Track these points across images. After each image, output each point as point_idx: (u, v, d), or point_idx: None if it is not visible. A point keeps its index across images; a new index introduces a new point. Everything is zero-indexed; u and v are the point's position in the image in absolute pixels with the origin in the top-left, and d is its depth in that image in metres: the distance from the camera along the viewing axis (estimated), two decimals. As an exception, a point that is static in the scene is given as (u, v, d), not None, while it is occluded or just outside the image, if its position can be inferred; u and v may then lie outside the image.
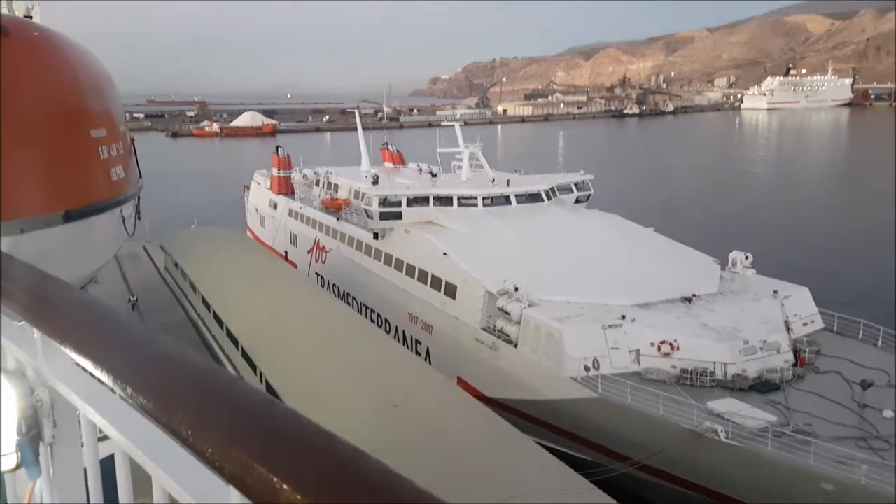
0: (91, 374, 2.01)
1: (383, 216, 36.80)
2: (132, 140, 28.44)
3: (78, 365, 2.15)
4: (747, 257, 31.13)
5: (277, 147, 56.28)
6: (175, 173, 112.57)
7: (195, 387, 1.59)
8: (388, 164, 54.90)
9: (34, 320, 2.42)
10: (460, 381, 28.23)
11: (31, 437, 2.54)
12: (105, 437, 2.18)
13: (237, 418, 1.40)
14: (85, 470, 2.54)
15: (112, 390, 1.85)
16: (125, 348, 1.91)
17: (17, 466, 2.58)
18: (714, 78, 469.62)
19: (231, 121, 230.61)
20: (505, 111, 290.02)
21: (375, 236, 38.03)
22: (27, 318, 2.46)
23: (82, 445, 2.53)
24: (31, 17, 25.12)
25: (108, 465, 2.31)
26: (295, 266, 47.82)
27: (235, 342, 28.94)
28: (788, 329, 26.33)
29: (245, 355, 27.42)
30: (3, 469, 2.57)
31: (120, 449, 2.01)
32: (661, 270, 29.50)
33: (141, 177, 30.56)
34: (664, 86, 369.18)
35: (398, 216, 36.70)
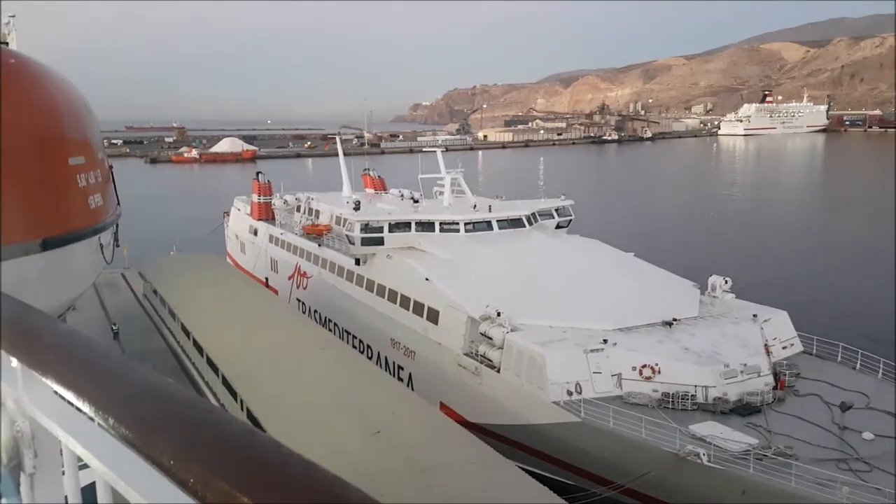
0: (72, 404, 2.02)
1: (365, 242, 36.75)
2: (110, 167, 28.30)
3: (59, 395, 2.15)
4: (726, 281, 31.46)
5: (258, 173, 56.24)
6: (154, 200, 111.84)
7: (176, 417, 1.60)
8: (370, 190, 55.03)
9: (14, 351, 2.43)
10: (443, 407, 28.07)
11: (12, 468, 2.52)
12: (86, 468, 2.18)
13: (218, 448, 1.42)
14: (66, 500, 2.51)
15: (93, 421, 1.85)
16: (106, 379, 1.92)
17: None
18: (691, 105, 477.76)
19: (210, 147, 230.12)
20: (486, 137, 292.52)
21: (357, 262, 37.97)
22: (7, 348, 2.46)
23: (63, 476, 2.51)
24: (6, 44, 24.95)
25: (88, 495, 2.30)
26: (276, 292, 47.54)
27: (216, 369, 28.60)
28: (768, 352, 26.55)
29: (225, 382, 27.09)
30: None
31: (102, 479, 2.00)
32: (641, 295, 29.69)
33: (119, 204, 30.37)
34: (642, 112, 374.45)
35: (380, 242, 36.67)
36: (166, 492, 1.63)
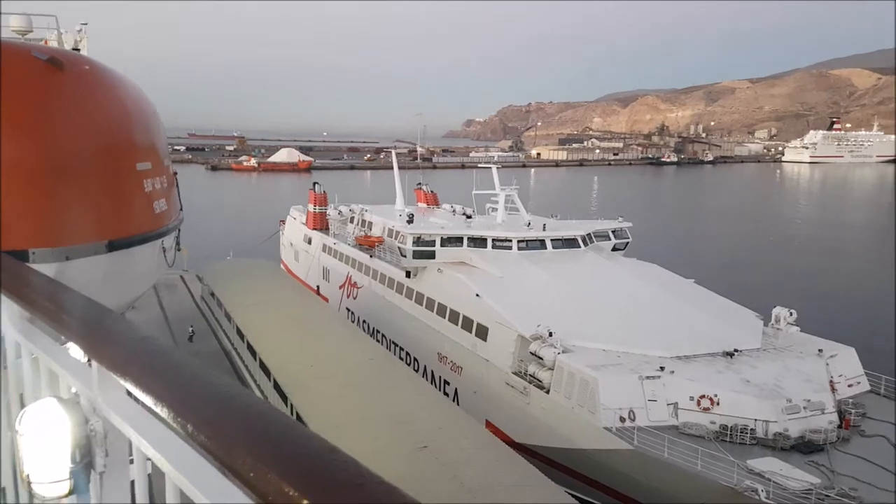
0: (145, 406, 2.05)
1: (416, 255, 36.80)
2: (175, 173, 29.14)
3: (131, 397, 2.20)
4: (791, 314, 30.27)
5: (315, 183, 57.10)
6: (213, 206, 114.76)
7: (257, 429, 1.59)
8: (423, 205, 55.21)
9: (92, 353, 2.49)
10: (489, 425, 27.67)
11: (84, 465, 2.58)
12: (154, 470, 2.20)
13: (300, 464, 1.40)
14: (133, 500, 2.55)
15: (166, 424, 1.87)
16: (186, 386, 1.93)
17: (69, 493, 2.62)
18: (755, 129, 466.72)
19: (269, 156, 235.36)
20: (539, 155, 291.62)
21: (408, 275, 37.99)
22: (86, 349, 2.53)
23: (132, 476, 2.56)
24: (78, 50, 25.91)
25: (153, 496, 2.35)
26: (326, 300, 47.96)
27: (268, 373, 28.91)
28: (833, 389, 25.45)
29: (277, 387, 27.35)
30: (56, 495, 2.61)
31: (171, 482, 2.01)
32: (701, 323, 28.83)
33: (182, 209, 31.18)
34: (703, 135, 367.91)
35: (431, 255, 36.66)
36: (240, 502, 1.64)
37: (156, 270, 27.59)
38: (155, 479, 2.26)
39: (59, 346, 2.91)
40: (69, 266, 18.92)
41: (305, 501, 1.30)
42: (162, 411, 1.89)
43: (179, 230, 30.71)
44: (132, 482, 2.58)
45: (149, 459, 2.21)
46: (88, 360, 2.57)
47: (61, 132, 19.17)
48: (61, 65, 19.31)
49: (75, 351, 2.64)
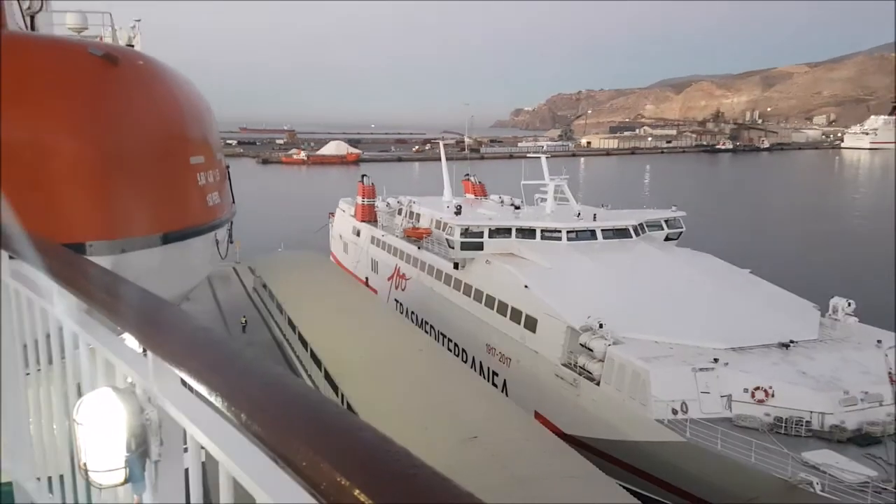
0: (199, 396, 2.06)
1: (464, 246, 36.90)
2: (227, 167, 29.79)
3: (186, 387, 2.21)
4: (849, 304, 29.39)
5: (363, 176, 57.65)
6: (264, 199, 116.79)
7: (311, 419, 1.59)
8: (470, 196, 55.22)
9: (148, 343, 2.50)
10: (538, 416, 27.71)
11: (139, 454, 2.61)
12: (208, 458, 2.22)
13: (353, 455, 1.40)
14: (187, 489, 2.60)
15: (220, 414, 1.88)
16: (240, 376, 1.94)
17: (125, 481, 2.65)
18: (813, 115, 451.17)
19: (318, 149, 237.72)
20: (589, 144, 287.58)
21: (456, 266, 38.16)
22: (141, 340, 2.54)
23: (186, 466, 2.59)
24: (132, 46, 26.64)
25: (207, 485, 2.37)
26: (375, 292, 48.56)
27: (319, 363, 29.54)
28: (892, 381, 24.66)
29: (328, 377, 27.93)
30: (112, 483, 2.66)
31: (226, 471, 2.03)
32: (756, 314, 28.24)
33: (234, 202, 31.90)
34: (759, 121, 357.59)
35: (479, 247, 36.72)
36: (292, 492, 1.65)
37: (209, 262, 28.34)
38: (209, 468, 2.29)
39: (116, 336, 2.93)
40: (125, 258, 19.48)
41: (357, 491, 1.31)
42: (216, 400, 1.91)
43: (232, 223, 31.41)
44: (186, 470, 2.66)
45: (203, 448, 2.23)
46: (144, 351, 2.59)
47: (117, 127, 19.71)
48: (116, 60, 19.81)
49: (131, 342, 2.66)
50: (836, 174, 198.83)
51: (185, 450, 2.52)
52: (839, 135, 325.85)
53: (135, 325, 2.60)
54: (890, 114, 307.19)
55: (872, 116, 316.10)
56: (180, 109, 23.27)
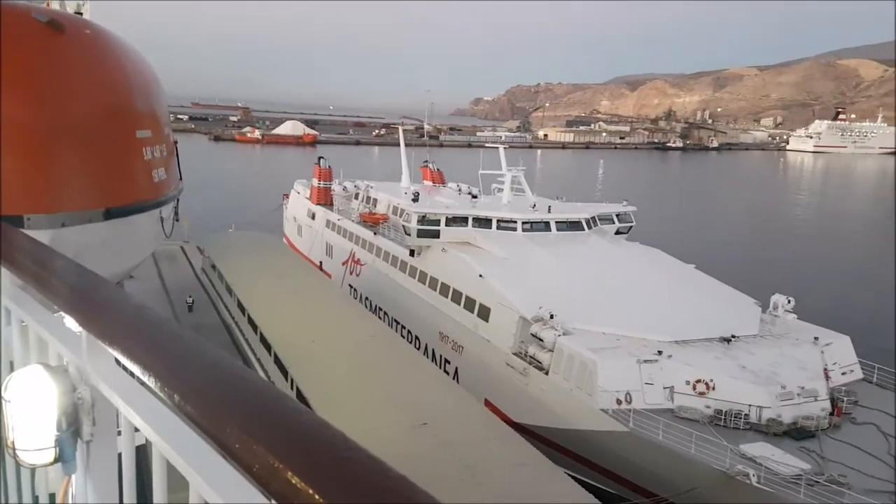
0: (134, 376, 2.03)
1: (421, 234, 36.94)
2: (175, 142, 28.99)
3: (121, 366, 2.17)
4: (789, 301, 30.54)
5: (320, 158, 56.91)
6: (215, 176, 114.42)
7: (245, 401, 1.58)
8: (428, 183, 55.20)
9: (81, 319, 2.44)
10: (487, 404, 28.03)
11: (71, 434, 2.55)
12: (142, 440, 2.20)
13: (288, 438, 1.39)
14: (120, 470, 2.54)
15: (155, 395, 1.86)
16: (175, 356, 1.91)
17: (55, 461, 2.59)
18: (761, 117, 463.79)
19: (273, 128, 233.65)
20: (546, 136, 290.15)
21: (412, 253, 38.19)
22: (75, 316, 2.47)
23: (119, 446, 2.53)
24: (81, 14, 25.54)
25: (141, 466, 2.34)
26: (329, 277, 48.22)
27: (269, 347, 29.22)
28: (827, 377, 25.77)
29: (277, 361, 27.66)
30: (41, 463, 2.59)
31: (158, 452, 2.00)
32: (700, 308, 29.08)
33: (181, 179, 31.14)
34: (710, 121, 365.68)
35: (436, 235, 36.81)
36: (227, 474, 1.64)
37: (153, 240, 27.63)
38: (144, 449, 2.25)
39: (52, 314, 2.84)
40: (65, 233, 18.78)
41: (290, 474, 1.29)
42: (149, 380, 1.87)
43: (178, 200, 30.66)
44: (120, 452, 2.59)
45: (138, 430, 2.19)
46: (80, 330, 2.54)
47: (59, 96, 18.94)
48: (62, 27, 19.03)
49: (69, 320, 2.58)
50: (780, 175, 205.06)
51: (119, 431, 2.47)
52: (785, 137, 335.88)
53: (69, 302, 2.52)
54: (833, 119, 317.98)
55: (817, 121, 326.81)
56: (128, 81, 22.44)
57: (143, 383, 1.98)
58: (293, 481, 1.29)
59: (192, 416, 1.66)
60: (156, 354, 1.95)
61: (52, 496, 2.94)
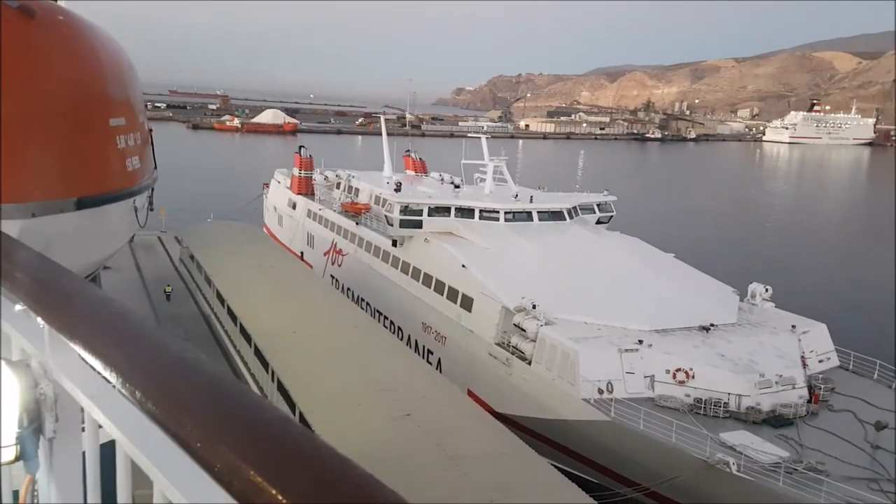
0: (99, 372, 1.98)
1: (404, 224, 36.82)
2: (150, 131, 28.52)
3: (85, 362, 2.11)
4: (767, 290, 30.92)
5: (300, 147, 56.44)
6: (194, 165, 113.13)
7: (208, 398, 1.55)
8: (411, 172, 55.00)
9: (43, 313, 2.38)
10: (470, 394, 28.11)
11: (33, 430, 2.48)
12: (107, 437, 2.15)
13: (250, 435, 1.38)
14: (84, 467, 2.50)
15: (120, 392, 1.81)
16: (138, 351, 1.87)
17: (16, 459, 2.52)
18: (738, 108, 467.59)
19: (253, 117, 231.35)
20: (527, 126, 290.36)
21: (394, 243, 38.06)
22: (36, 309, 2.42)
23: (83, 443, 2.48)
24: (56, 0, 25.08)
25: (106, 463, 2.29)
26: (310, 267, 47.95)
27: (248, 339, 28.96)
28: (804, 365, 26.18)
29: (258, 353, 27.44)
30: (2, 461, 2.51)
31: (122, 450, 1.97)
32: (680, 297, 29.34)
33: (156, 168, 30.68)
34: (688, 112, 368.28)
35: (419, 225, 36.71)
36: (190, 473, 1.59)
37: (127, 230, 27.21)
38: (109, 447, 2.20)
39: (14, 307, 2.72)
40: (35, 223, 18.42)
41: (252, 472, 1.28)
42: (111, 376, 1.83)
43: (153, 189, 30.18)
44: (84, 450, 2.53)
45: (102, 427, 2.14)
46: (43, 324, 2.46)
47: (29, 83, 18.53)
48: (33, 13, 18.62)
49: (32, 314, 2.51)
50: (756, 165, 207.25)
51: (84, 428, 2.41)
52: (761, 128, 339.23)
53: (31, 295, 2.46)
54: (809, 110, 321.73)
55: (792, 112, 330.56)
56: (101, 69, 21.96)
57: (106, 379, 1.93)
58: (256, 480, 1.27)
59: (153, 413, 1.63)
60: (117, 348, 1.91)
61: (15, 494, 2.81)
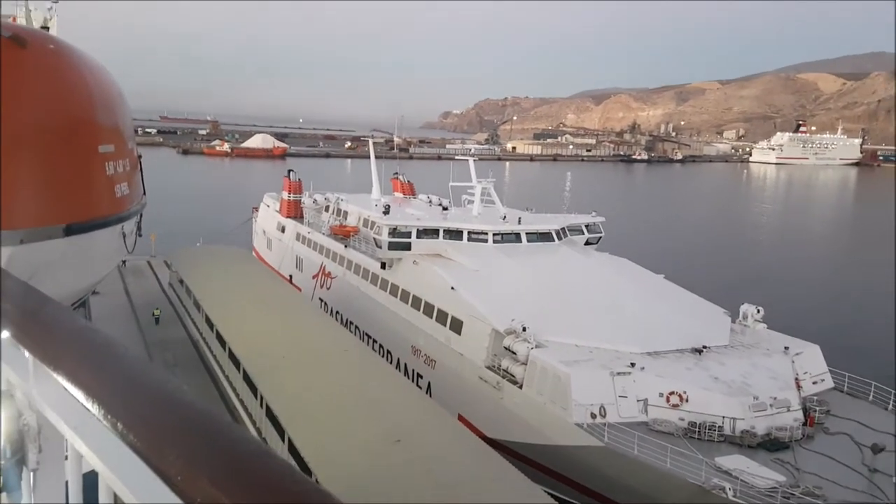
0: (82, 403, 1.99)
1: (392, 246, 36.61)
2: (139, 157, 28.46)
3: (69, 392, 2.12)
4: (759, 311, 30.77)
5: (289, 171, 56.41)
6: (183, 190, 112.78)
7: (189, 430, 1.56)
8: (399, 195, 54.92)
9: (27, 343, 2.38)
10: (461, 419, 27.69)
11: (16, 461, 2.47)
12: (91, 469, 2.14)
13: (231, 468, 1.38)
14: (67, 497, 2.46)
15: (102, 423, 1.82)
16: (120, 383, 1.88)
17: (0, 490, 2.52)
18: (723, 130, 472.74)
19: (242, 141, 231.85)
20: (514, 149, 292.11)
21: (383, 266, 37.80)
22: (21, 339, 2.42)
23: (66, 474, 2.44)
24: (48, 28, 25.25)
25: (89, 493, 2.27)
26: (299, 290, 47.55)
27: (237, 364, 28.52)
28: (799, 387, 25.93)
29: (247, 378, 26.99)
30: None
31: (104, 482, 1.95)
32: (671, 319, 29.14)
33: (145, 193, 30.49)
34: (673, 134, 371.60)
35: (407, 247, 36.51)
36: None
37: (115, 256, 27.02)
38: (91, 479, 2.19)
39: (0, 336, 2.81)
40: (24, 249, 18.40)
41: None
42: (93, 407, 1.83)
43: (141, 215, 30.02)
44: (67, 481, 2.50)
45: (84, 458, 2.14)
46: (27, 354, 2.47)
47: (19, 111, 18.59)
48: (24, 42, 18.74)
49: (16, 343, 2.53)
50: (743, 186, 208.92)
51: (67, 458, 2.37)
52: (747, 149, 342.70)
53: (15, 324, 2.45)
54: (795, 131, 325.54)
55: (778, 133, 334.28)
56: (90, 96, 21.97)
57: (90, 410, 1.94)
58: None
59: (135, 445, 1.64)
60: (99, 379, 1.91)
61: None
